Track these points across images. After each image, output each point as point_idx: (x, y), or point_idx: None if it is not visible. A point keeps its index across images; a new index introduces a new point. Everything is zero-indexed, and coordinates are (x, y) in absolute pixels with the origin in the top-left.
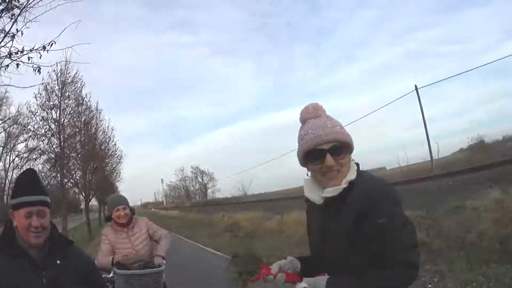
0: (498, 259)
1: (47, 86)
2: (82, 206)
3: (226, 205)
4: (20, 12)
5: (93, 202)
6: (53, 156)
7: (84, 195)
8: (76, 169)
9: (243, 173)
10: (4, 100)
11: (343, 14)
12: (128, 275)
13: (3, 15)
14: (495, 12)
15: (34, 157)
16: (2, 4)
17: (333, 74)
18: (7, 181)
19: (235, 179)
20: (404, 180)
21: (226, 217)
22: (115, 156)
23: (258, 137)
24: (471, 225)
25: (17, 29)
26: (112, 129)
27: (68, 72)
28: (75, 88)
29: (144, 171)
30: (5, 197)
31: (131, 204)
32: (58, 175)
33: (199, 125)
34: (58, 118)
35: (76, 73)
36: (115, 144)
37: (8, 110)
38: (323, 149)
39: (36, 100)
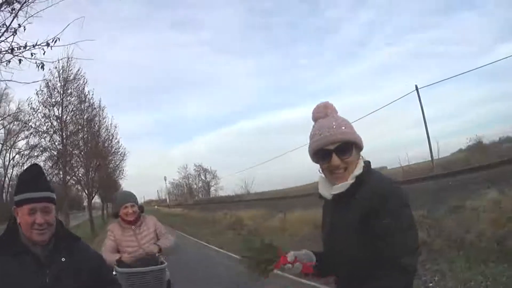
0: (495, 258)
1: (49, 83)
2: (85, 203)
3: (229, 203)
4: (21, 6)
5: (96, 199)
6: (55, 153)
7: (87, 192)
8: (79, 167)
9: (246, 171)
10: (4, 97)
11: (344, 14)
12: (129, 273)
13: (3, 9)
14: (491, 13)
15: (35, 154)
16: None
17: (333, 74)
18: (6, 178)
19: (238, 177)
20: (405, 180)
21: (229, 215)
22: (118, 153)
23: (260, 135)
24: (470, 225)
25: (19, 24)
26: (115, 127)
27: (70, 69)
28: (78, 85)
29: (147, 169)
30: (4, 194)
31: None
32: (61, 172)
33: (201, 123)
34: (60, 115)
35: (79, 70)
36: (118, 142)
37: (8, 107)
38: (329, 149)
39: (38, 97)
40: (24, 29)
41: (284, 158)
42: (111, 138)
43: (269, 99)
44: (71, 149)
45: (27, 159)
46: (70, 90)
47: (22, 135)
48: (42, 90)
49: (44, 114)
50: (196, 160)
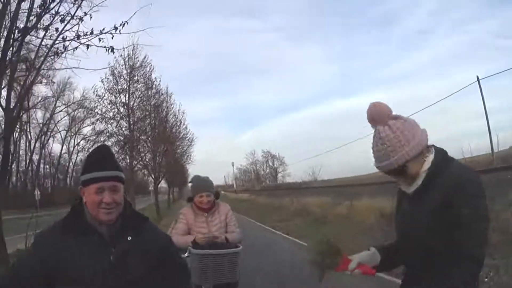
0: None
1: (114, 71)
2: (151, 187)
3: (296, 190)
4: None
5: (162, 184)
6: (122, 138)
7: (153, 177)
8: (145, 152)
9: (314, 159)
10: (68, 85)
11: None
12: (202, 255)
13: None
14: None
15: (102, 139)
16: None
17: (399, 62)
18: (71, 163)
19: (306, 164)
20: None
21: (296, 201)
22: (186, 139)
23: (328, 123)
24: None
25: (84, 13)
26: (183, 113)
27: (136, 56)
28: (144, 72)
29: (214, 155)
30: (68, 179)
31: None
32: (127, 157)
33: (268, 110)
34: (127, 101)
35: (145, 57)
36: (186, 127)
37: (72, 95)
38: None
39: (103, 84)
40: (91, 17)
41: (350, 147)
42: (178, 124)
43: (336, 86)
44: (138, 135)
45: (93, 144)
46: (136, 77)
47: (87, 121)
48: (107, 78)
49: (110, 100)
50: (263, 146)
